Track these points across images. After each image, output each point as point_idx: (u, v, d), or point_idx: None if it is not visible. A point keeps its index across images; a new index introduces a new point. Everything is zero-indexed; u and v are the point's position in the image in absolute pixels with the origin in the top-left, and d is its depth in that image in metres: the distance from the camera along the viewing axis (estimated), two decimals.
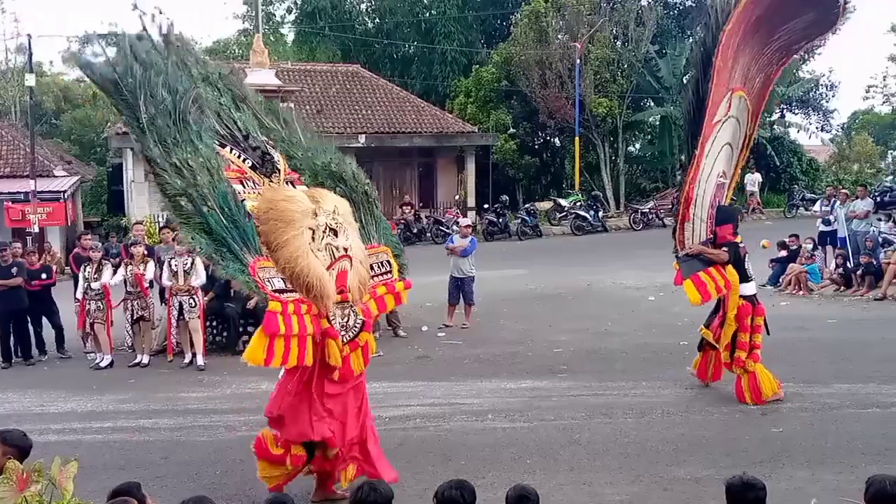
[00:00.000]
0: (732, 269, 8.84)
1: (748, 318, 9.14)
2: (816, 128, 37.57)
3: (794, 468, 7.23)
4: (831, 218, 18.67)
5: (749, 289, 9.27)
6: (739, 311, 9.13)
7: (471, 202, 30.40)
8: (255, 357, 6.08)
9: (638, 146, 38.32)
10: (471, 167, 30.73)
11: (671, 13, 35.86)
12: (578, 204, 29.10)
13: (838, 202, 18.56)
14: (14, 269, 12.67)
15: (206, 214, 6.12)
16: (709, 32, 8.63)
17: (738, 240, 9.06)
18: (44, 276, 13.11)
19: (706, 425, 8.59)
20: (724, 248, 8.87)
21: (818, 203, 18.74)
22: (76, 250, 14.21)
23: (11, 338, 12.82)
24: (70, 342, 13.18)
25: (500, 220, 27.73)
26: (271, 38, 40.00)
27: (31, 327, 12.94)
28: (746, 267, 9.23)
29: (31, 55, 26.81)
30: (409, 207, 28.04)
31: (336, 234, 6.65)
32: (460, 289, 14.13)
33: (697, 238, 8.91)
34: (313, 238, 6.49)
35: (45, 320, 13.08)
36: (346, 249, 6.67)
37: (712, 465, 7.38)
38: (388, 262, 7.49)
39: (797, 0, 8.95)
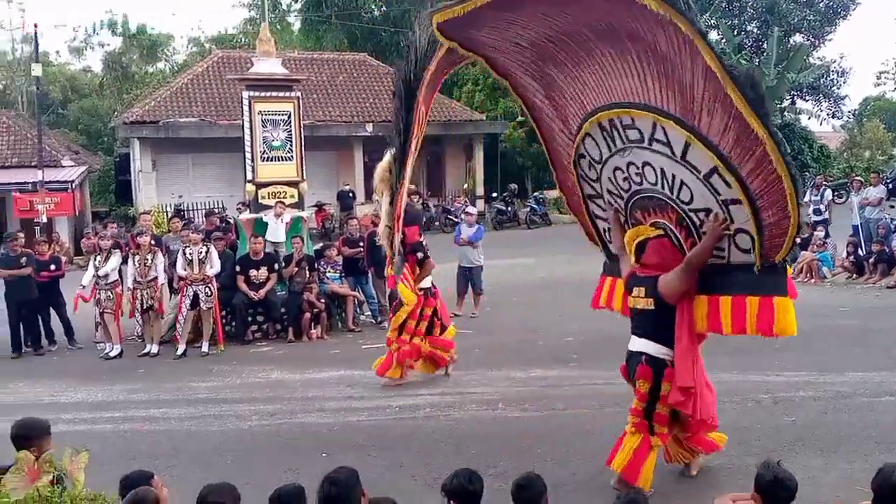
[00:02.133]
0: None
1: (419, 308, 10.01)
2: (827, 114, 37.44)
3: (807, 457, 7.18)
4: (822, 207, 18.68)
5: (426, 283, 10.13)
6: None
7: (479, 191, 30.36)
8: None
9: None
10: (479, 156, 30.67)
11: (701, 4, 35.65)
12: None
13: (827, 190, 18.87)
14: (23, 259, 12.69)
15: None
16: (411, 69, 8.54)
17: (422, 239, 10.24)
18: (52, 267, 13.13)
19: (718, 414, 8.49)
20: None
21: (808, 193, 18.70)
22: (83, 241, 14.25)
23: (21, 328, 12.85)
24: (79, 332, 13.20)
25: (509, 208, 27.71)
26: (278, 26, 39.94)
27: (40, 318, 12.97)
28: None
29: (37, 45, 26.80)
30: (417, 196, 27.97)
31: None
32: (468, 278, 14.10)
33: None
34: None
35: (52, 312, 13.10)
36: None
37: (724, 454, 7.32)
38: None
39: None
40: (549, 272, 17.80)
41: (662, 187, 6.09)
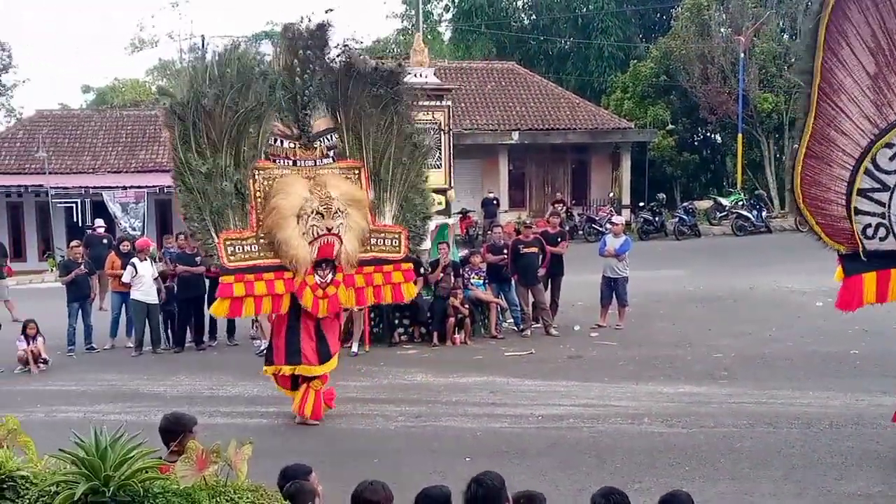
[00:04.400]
0: None
1: None
2: None
3: None
4: None
5: None
6: None
7: (626, 200, 29.85)
8: (219, 312, 9.11)
9: None
10: (626, 164, 30.16)
11: None
12: (740, 203, 28.01)
13: None
14: (197, 258, 13.45)
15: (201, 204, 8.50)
16: None
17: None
18: None
19: (878, 439, 8.08)
20: None
21: None
22: None
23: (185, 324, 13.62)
24: (239, 329, 13.83)
25: (657, 218, 27.08)
26: (428, 36, 40.66)
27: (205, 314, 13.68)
28: None
29: (204, 56, 28.20)
30: (562, 204, 27.83)
31: (323, 216, 8.71)
32: (613, 289, 13.89)
33: None
34: (298, 222, 8.69)
35: None
36: (329, 229, 8.74)
37: (884, 481, 6.96)
38: (396, 239, 9.39)
39: None
40: (699, 285, 17.29)
41: None
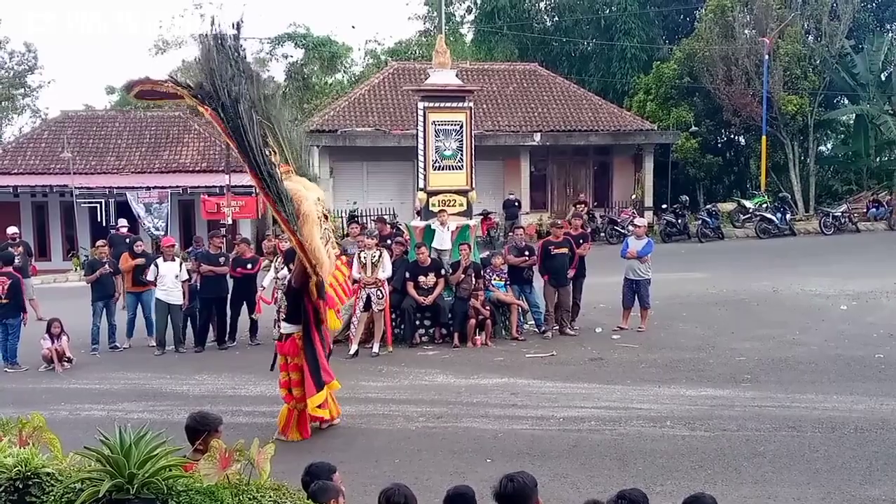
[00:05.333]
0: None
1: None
2: None
3: None
4: None
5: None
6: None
7: (648, 202, 29.70)
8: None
9: (830, 146, 36.20)
10: (649, 166, 30.01)
11: (868, 6, 33.65)
12: (764, 206, 27.81)
13: None
14: (222, 259, 13.52)
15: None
16: None
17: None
18: (249, 266, 13.80)
19: None
20: None
21: None
22: (264, 243, 14.99)
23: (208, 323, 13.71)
24: (260, 330, 13.89)
25: (679, 220, 26.93)
26: (451, 37, 40.66)
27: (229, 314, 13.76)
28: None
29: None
30: (583, 206, 27.74)
31: (326, 218, 8.67)
32: (635, 291, 13.82)
33: None
34: (320, 226, 8.40)
35: (244, 308, 13.79)
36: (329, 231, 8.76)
37: None
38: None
39: None
40: (722, 288, 17.18)
41: None
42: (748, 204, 28.35)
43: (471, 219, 14.70)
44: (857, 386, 10.07)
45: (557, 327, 13.58)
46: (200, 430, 5.00)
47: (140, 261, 13.85)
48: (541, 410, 9.50)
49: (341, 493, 4.39)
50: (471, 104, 14.48)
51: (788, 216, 27.45)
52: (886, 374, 10.65)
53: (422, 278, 13.19)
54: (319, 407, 8.70)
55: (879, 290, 16.26)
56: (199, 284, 13.68)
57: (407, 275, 13.25)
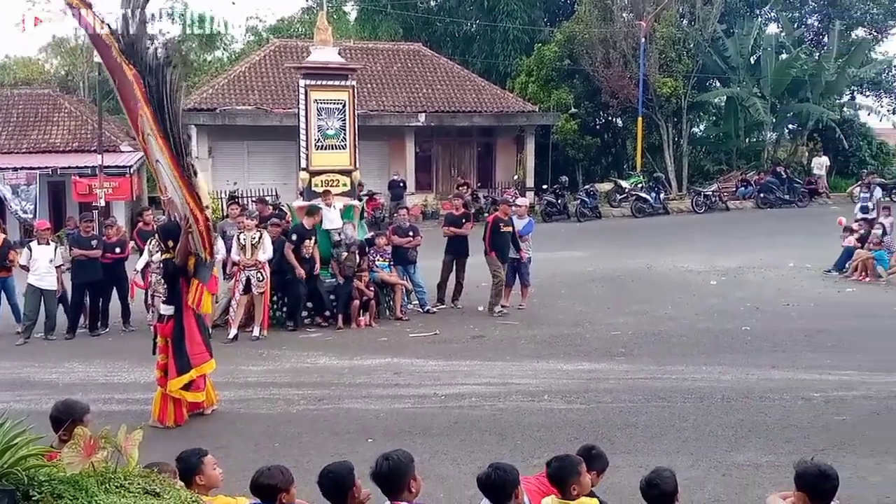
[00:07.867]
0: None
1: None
2: (888, 111, 36.32)
3: (857, 456, 7.08)
4: (869, 205, 18.30)
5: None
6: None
7: (530, 182, 30.20)
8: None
9: (702, 127, 37.62)
10: (530, 147, 30.50)
11: None
12: (640, 185, 28.73)
13: (877, 188, 18.48)
14: (94, 242, 13.01)
15: None
16: None
17: None
18: (118, 249, 13.35)
19: (766, 411, 8.45)
20: None
21: (857, 188, 18.34)
22: (139, 225, 14.51)
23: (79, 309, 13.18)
24: (133, 315, 13.46)
25: (559, 201, 27.52)
26: (334, 16, 40.15)
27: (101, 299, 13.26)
28: None
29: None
30: (467, 187, 27.98)
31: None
32: (516, 270, 14.07)
33: None
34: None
35: (114, 294, 13.36)
36: None
37: (772, 451, 7.28)
38: None
39: None
40: (599, 266, 17.69)
41: None
42: (624, 184, 29.21)
43: (356, 199, 14.61)
44: (724, 357, 10.56)
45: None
46: (64, 419, 4.82)
47: None
48: (423, 389, 9.57)
49: (213, 476, 4.31)
50: (354, 83, 14.36)
51: (662, 195, 28.46)
52: (752, 345, 11.21)
53: (307, 243, 12.84)
54: (195, 391, 8.51)
55: (747, 265, 17.08)
56: (71, 269, 13.14)
57: (294, 238, 12.84)
